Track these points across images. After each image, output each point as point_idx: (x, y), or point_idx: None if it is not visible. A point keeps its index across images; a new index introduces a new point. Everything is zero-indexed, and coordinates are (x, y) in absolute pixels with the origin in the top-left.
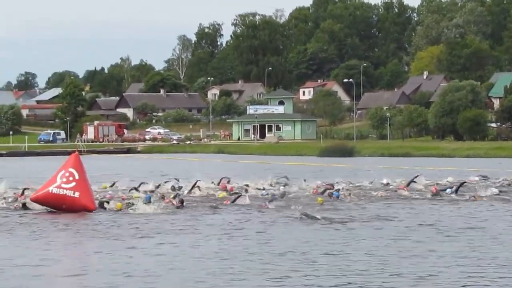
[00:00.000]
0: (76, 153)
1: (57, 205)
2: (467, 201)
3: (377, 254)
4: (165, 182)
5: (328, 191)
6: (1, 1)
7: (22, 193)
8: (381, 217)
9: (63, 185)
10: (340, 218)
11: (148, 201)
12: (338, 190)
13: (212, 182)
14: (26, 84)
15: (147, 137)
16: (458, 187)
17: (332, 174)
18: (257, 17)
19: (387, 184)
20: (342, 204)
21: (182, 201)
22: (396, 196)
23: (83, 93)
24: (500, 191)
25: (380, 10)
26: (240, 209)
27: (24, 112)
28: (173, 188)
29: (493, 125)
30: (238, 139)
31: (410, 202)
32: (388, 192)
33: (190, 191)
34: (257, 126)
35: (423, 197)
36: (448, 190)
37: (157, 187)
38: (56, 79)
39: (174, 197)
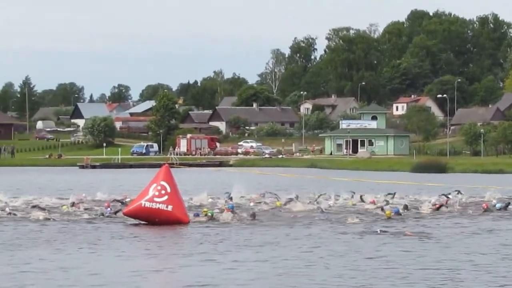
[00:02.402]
0: (167, 165)
1: (150, 219)
2: None
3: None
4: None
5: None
6: (99, 16)
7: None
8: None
9: (156, 199)
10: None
11: (231, 210)
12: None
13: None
14: (119, 96)
15: (239, 150)
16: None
17: (422, 190)
18: (351, 32)
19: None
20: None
21: (254, 215)
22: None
23: (176, 106)
24: None
25: (475, 25)
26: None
27: (118, 124)
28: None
29: None
30: (331, 153)
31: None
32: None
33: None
34: (349, 141)
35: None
36: (498, 205)
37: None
38: (150, 92)
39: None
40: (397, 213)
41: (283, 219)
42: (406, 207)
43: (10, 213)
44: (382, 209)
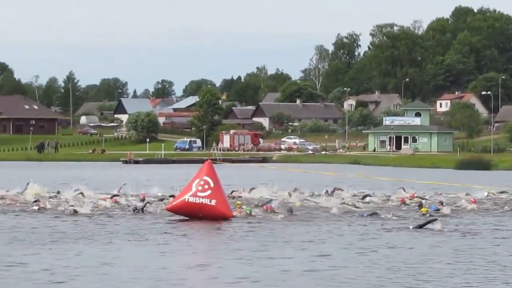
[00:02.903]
0: (209, 161)
1: (193, 214)
2: None
3: None
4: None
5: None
6: (144, 12)
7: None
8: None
9: (199, 194)
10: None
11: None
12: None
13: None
14: (163, 92)
15: (282, 146)
16: None
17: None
18: (395, 28)
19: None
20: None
21: (291, 210)
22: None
23: (220, 101)
24: None
25: None
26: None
27: (161, 120)
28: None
29: None
30: (374, 150)
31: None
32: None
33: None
34: (393, 137)
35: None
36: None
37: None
38: (193, 88)
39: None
40: (435, 210)
41: (319, 215)
42: (441, 204)
43: (51, 208)
44: (420, 205)
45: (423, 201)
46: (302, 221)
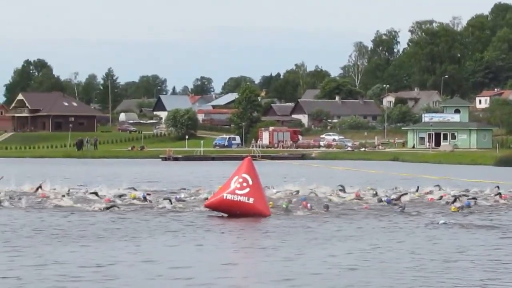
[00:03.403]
0: (249, 158)
1: (231, 211)
2: None
3: None
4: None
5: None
6: (182, 9)
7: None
8: None
9: (237, 191)
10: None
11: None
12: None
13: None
14: (202, 89)
15: (321, 143)
16: None
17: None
18: (434, 25)
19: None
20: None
21: (327, 206)
22: None
23: (259, 98)
24: None
25: None
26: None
27: (200, 117)
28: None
29: None
30: (413, 147)
31: None
32: None
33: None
34: (432, 134)
35: None
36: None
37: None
38: (232, 85)
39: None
40: (468, 206)
41: (356, 211)
42: (474, 199)
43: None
44: (456, 200)
45: (459, 198)
46: (338, 217)
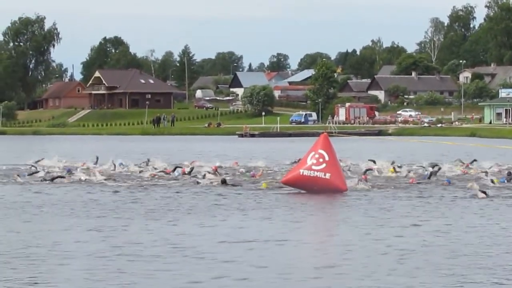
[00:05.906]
0: (325, 134)
1: (308, 187)
2: None
3: None
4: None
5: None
6: None
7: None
8: None
9: (314, 167)
10: None
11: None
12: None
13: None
14: (278, 65)
15: (398, 119)
16: None
17: None
18: (511, 1)
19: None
20: None
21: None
22: None
23: (335, 75)
24: None
25: None
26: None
27: (276, 93)
28: None
29: None
30: (490, 122)
31: None
32: None
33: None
34: (509, 109)
35: None
36: None
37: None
38: (308, 61)
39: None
40: (503, 182)
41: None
42: (510, 174)
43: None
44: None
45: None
46: (410, 194)
